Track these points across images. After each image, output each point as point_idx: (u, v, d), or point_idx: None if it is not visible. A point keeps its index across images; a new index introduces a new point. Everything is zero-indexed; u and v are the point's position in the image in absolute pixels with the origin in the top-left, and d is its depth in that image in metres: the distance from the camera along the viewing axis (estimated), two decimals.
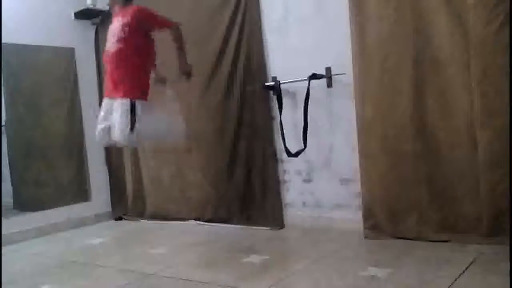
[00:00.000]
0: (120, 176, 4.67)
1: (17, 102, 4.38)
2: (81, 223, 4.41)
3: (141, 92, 3.12)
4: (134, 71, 3.12)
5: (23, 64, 4.30)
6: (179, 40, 3.31)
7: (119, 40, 3.09)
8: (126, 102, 3.02)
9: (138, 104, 3.04)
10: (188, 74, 3.42)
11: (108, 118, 3.13)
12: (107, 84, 3.20)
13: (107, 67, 3.21)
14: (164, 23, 3.25)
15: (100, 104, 4.45)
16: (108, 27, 4.50)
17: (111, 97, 3.14)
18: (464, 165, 2.85)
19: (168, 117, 3.28)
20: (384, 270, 2.52)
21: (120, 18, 3.15)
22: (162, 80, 3.47)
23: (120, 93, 3.06)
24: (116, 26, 3.15)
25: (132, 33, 3.09)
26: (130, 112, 3.00)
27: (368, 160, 3.17)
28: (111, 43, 3.14)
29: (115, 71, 3.13)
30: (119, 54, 3.10)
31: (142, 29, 3.15)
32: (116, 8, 3.26)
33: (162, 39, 3.33)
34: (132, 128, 3.00)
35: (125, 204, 4.66)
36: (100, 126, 3.17)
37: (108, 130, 3.12)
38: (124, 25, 3.10)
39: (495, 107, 2.68)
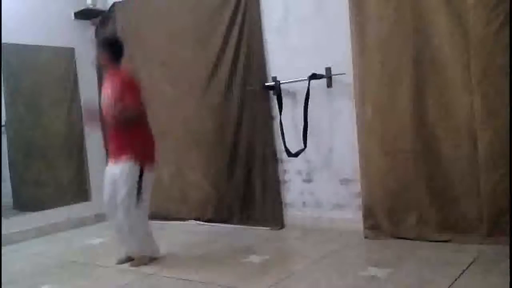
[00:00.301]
0: None
1: (17, 102, 4.38)
2: (81, 223, 4.41)
3: (143, 156, 3.01)
4: (134, 136, 3.01)
5: (23, 64, 4.30)
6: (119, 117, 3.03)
7: (111, 106, 2.97)
8: (131, 167, 2.93)
9: (146, 170, 2.99)
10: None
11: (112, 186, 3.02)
12: (110, 148, 3.13)
13: (108, 131, 3.14)
14: (123, 106, 2.96)
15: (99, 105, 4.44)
16: (107, 27, 4.54)
17: (114, 160, 3.04)
18: (464, 165, 2.85)
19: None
20: (384, 270, 2.51)
21: (111, 80, 3.05)
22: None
23: (121, 158, 2.96)
24: (107, 90, 3.04)
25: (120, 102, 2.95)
26: (137, 177, 2.95)
27: (368, 160, 3.17)
28: (106, 108, 3.02)
29: (114, 136, 3.06)
30: (115, 121, 3.00)
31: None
32: (108, 67, 3.14)
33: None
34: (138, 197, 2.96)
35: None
36: (106, 196, 3.06)
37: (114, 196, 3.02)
38: (112, 92, 2.98)
39: (495, 107, 2.68)
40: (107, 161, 3.17)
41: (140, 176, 2.96)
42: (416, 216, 3.02)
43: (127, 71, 3.13)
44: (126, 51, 4.37)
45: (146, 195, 3.03)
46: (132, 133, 3.01)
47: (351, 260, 2.82)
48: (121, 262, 3.10)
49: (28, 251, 3.72)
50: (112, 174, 3.01)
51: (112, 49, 3.09)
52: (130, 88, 2.98)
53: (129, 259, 3.10)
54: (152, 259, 3.08)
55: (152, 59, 4.22)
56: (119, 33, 4.41)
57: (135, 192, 2.95)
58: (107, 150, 3.12)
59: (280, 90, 3.55)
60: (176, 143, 4.16)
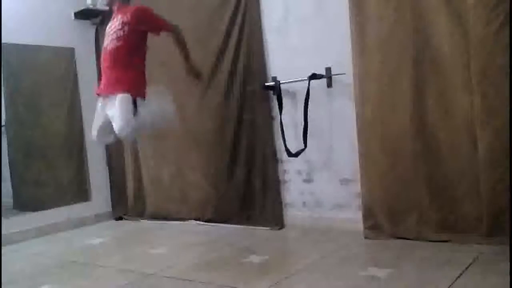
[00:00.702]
0: (120, 176, 4.67)
1: (17, 102, 4.38)
2: (81, 223, 4.41)
3: (141, 91, 3.11)
4: (134, 70, 3.12)
5: (23, 64, 4.30)
6: (181, 43, 3.28)
7: (118, 38, 3.08)
8: (128, 97, 2.99)
9: (138, 101, 3.04)
10: (196, 74, 3.40)
11: (104, 115, 3.11)
12: (105, 81, 3.17)
13: (104, 64, 3.18)
14: (164, 26, 3.23)
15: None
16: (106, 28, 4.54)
17: (108, 94, 3.11)
18: (464, 165, 2.85)
19: (162, 107, 3.22)
20: (384, 270, 2.51)
21: (119, 16, 3.14)
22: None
23: (120, 90, 3.03)
24: (115, 24, 3.14)
25: (131, 32, 3.08)
26: (133, 106, 2.99)
27: (368, 160, 3.17)
28: (110, 40, 3.12)
29: (114, 68, 3.11)
30: (118, 52, 3.09)
31: (141, 29, 3.14)
32: (115, 7, 3.24)
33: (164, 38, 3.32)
34: (134, 118, 3.00)
35: (125, 204, 4.66)
36: (97, 123, 3.17)
37: (106, 127, 3.12)
38: (123, 24, 3.08)
39: (495, 107, 2.68)
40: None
41: (134, 105, 3.03)
42: (416, 216, 3.02)
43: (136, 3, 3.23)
44: None
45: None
46: (134, 67, 3.11)
47: (351, 260, 2.82)
48: None
49: (28, 251, 3.72)
50: (104, 107, 3.10)
51: None
52: (153, 13, 3.17)
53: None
54: None
55: (152, 59, 4.21)
56: None
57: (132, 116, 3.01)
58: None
59: (280, 90, 3.55)
60: (176, 143, 4.16)
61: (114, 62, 3.11)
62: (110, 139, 3.26)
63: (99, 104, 3.20)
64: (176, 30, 3.26)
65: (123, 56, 3.09)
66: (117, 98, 3.01)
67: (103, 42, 3.26)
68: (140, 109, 3.03)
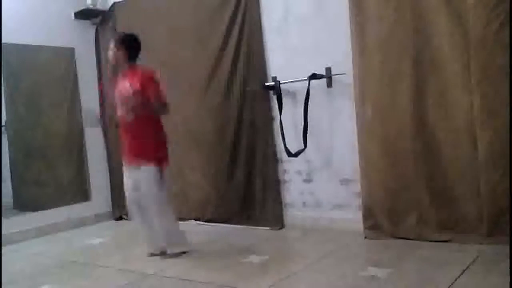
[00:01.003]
0: (120, 176, 4.65)
1: (17, 102, 4.38)
2: (81, 223, 4.41)
3: (162, 159, 3.12)
4: (152, 138, 3.10)
5: (23, 64, 4.30)
6: (159, 111, 3.11)
7: (133, 108, 3.02)
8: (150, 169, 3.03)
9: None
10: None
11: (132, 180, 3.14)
12: (126, 152, 3.17)
13: (124, 135, 3.15)
14: (155, 99, 3.03)
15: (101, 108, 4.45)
16: (107, 27, 4.54)
17: (129, 164, 3.15)
18: (464, 165, 2.85)
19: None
20: (384, 270, 2.51)
21: (127, 80, 3.06)
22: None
23: (142, 162, 3.06)
24: (125, 89, 3.06)
25: (143, 100, 3.00)
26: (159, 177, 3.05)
27: (368, 160, 3.16)
28: (125, 111, 3.06)
29: (133, 139, 3.10)
30: (136, 123, 3.04)
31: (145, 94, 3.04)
32: (124, 68, 3.14)
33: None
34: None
35: (125, 204, 4.65)
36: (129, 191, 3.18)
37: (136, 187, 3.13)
38: (135, 92, 3.00)
39: (495, 107, 2.68)
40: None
41: (161, 175, 3.08)
42: (416, 216, 3.02)
43: (146, 68, 3.15)
44: None
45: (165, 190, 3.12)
46: (150, 133, 3.08)
47: (351, 260, 2.82)
48: (153, 255, 3.20)
49: (28, 251, 3.72)
50: (134, 179, 3.12)
51: (130, 46, 3.10)
52: (153, 81, 3.04)
53: (161, 253, 3.19)
54: (182, 252, 3.18)
55: (152, 59, 4.21)
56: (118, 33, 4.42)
57: (159, 191, 3.06)
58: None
59: (280, 90, 3.55)
60: (176, 143, 4.15)
61: (133, 133, 3.08)
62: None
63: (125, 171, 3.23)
64: (166, 108, 3.10)
65: (142, 126, 3.05)
66: (142, 172, 3.06)
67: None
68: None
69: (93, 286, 2.83)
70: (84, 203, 4.54)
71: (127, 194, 3.22)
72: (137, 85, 3.00)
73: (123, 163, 3.23)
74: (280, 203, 3.72)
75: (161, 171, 3.07)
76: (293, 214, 3.68)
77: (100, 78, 4.62)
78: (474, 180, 2.80)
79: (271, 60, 3.68)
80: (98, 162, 4.64)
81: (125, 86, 3.07)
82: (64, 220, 4.32)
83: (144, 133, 3.06)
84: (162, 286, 2.69)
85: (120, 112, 3.13)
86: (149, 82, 3.02)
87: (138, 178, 3.10)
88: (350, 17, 3.14)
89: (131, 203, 3.22)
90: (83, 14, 4.51)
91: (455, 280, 2.30)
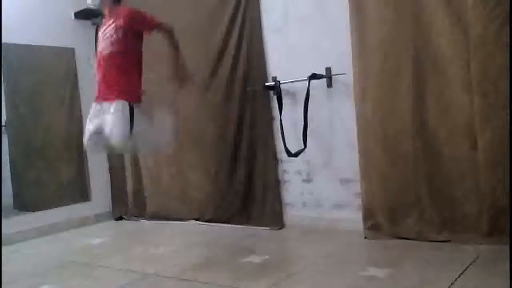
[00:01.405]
0: (120, 176, 4.67)
1: (17, 102, 4.38)
2: (81, 223, 4.41)
3: (137, 95, 3.07)
4: (130, 74, 3.07)
5: (23, 64, 4.30)
6: (173, 42, 3.23)
7: (113, 43, 3.02)
8: (124, 104, 2.93)
9: (135, 107, 2.99)
10: (185, 79, 3.34)
11: (99, 122, 3.02)
12: (100, 87, 3.10)
13: (100, 70, 3.12)
14: (159, 24, 3.18)
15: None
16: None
17: (103, 100, 3.05)
18: (464, 165, 2.85)
19: (162, 131, 3.20)
20: (384, 270, 2.51)
21: (112, 20, 3.09)
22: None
23: (115, 96, 2.98)
24: (108, 28, 3.08)
25: (125, 36, 3.03)
26: (129, 114, 2.93)
27: (368, 160, 3.17)
28: (105, 45, 3.06)
29: (109, 73, 3.05)
30: (114, 57, 3.04)
31: (134, 31, 3.09)
32: (106, 10, 3.18)
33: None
34: (131, 131, 2.92)
35: (125, 204, 4.66)
36: (89, 132, 3.06)
37: (100, 135, 3.01)
38: (117, 27, 3.03)
39: (495, 107, 2.68)
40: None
41: (131, 113, 2.97)
42: (416, 216, 3.02)
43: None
44: None
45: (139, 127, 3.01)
46: (130, 71, 3.07)
47: (351, 260, 2.82)
48: None
49: (28, 251, 3.72)
50: (99, 111, 3.02)
51: None
52: (144, 13, 3.12)
53: None
54: None
55: (151, 58, 4.22)
56: None
57: (129, 128, 2.94)
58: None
59: (280, 90, 3.55)
60: (176, 143, 4.16)
61: (110, 67, 3.05)
62: (102, 150, 3.20)
63: (93, 110, 3.11)
64: (168, 29, 3.21)
65: (119, 60, 3.04)
66: (113, 104, 2.95)
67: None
68: (139, 121, 2.99)
69: (93, 286, 2.83)
70: (84, 203, 4.54)
71: (86, 133, 3.07)
72: (121, 22, 3.03)
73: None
74: (280, 203, 3.72)
75: (132, 109, 2.99)
76: (293, 214, 3.68)
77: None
78: (474, 180, 2.80)
79: (271, 60, 3.68)
80: (98, 162, 4.64)
81: (109, 24, 3.08)
82: (64, 220, 4.32)
83: (127, 67, 3.07)
84: (162, 286, 2.69)
85: (100, 47, 3.10)
86: (138, 15, 3.10)
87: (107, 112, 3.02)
88: (350, 17, 3.14)
89: (90, 136, 3.06)
90: (83, 14, 4.51)
91: (455, 280, 2.30)
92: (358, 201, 3.26)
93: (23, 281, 2.95)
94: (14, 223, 4.01)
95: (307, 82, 3.36)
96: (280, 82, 3.56)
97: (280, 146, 3.59)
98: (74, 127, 4.53)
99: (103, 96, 3.06)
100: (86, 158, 4.57)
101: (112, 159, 4.71)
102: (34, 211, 4.24)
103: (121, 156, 4.64)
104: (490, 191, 2.73)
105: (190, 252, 3.28)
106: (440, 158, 2.93)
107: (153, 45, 3.35)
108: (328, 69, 3.38)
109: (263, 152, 3.75)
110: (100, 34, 3.17)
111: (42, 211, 4.24)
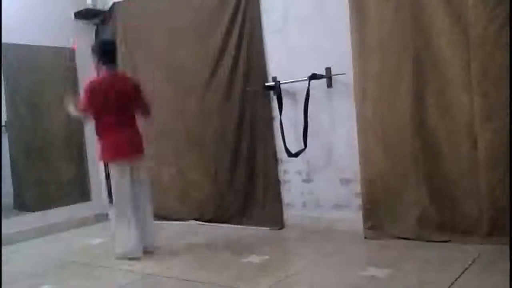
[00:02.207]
0: None
1: (17, 102, 4.37)
2: (81, 223, 4.41)
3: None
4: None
5: (23, 64, 4.30)
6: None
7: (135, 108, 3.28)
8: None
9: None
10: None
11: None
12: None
13: (123, 132, 3.22)
14: (147, 107, 3.35)
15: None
16: (107, 27, 4.54)
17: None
18: (464, 165, 2.85)
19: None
20: (384, 270, 2.51)
21: (115, 82, 3.21)
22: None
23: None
24: (120, 88, 3.19)
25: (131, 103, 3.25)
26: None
27: (368, 160, 3.17)
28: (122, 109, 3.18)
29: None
30: (133, 121, 3.29)
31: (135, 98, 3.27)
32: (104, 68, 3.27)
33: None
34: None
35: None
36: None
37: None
38: (125, 92, 3.20)
39: (495, 107, 2.68)
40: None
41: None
42: (416, 216, 3.02)
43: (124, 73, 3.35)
44: (127, 51, 4.36)
45: None
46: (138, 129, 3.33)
47: (351, 260, 2.82)
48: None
49: (28, 251, 3.72)
50: (131, 177, 3.18)
51: (98, 54, 3.27)
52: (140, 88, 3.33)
53: (147, 252, 3.23)
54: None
55: (152, 59, 4.23)
56: (119, 33, 4.42)
57: None
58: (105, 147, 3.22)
59: (280, 90, 3.55)
60: (176, 143, 4.16)
61: (132, 125, 3.27)
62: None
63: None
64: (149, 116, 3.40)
65: (135, 124, 3.30)
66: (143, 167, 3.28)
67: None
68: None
69: (93, 286, 2.83)
70: (84, 203, 4.54)
71: (122, 195, 3.15)
72: (128, 88, 3.23)
73: (116, 162, 3.17)
74: (280, 203, 3.72)
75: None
76: (293, 214, 3.68)
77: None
78: (474, 180, 2.81)
79: (271, 60, 3.68)
80: (98, 162, 4.63)
81: (122, 89, 3.21)
82: (64, 220, 4.31)
83: (138, 130, 3.30)
84: (162, 286, 2.69)
85: (119, 108, 3.18)
86: (138, 88, 3.30)
87: (137, 176, 3.21)
88: (350, 17, 3.14)
89: (128, 203, 3.15)
90: (83, 14, 4.51)
91: (455, 280, 2.30)
92: (358, 201, 3.26)
93: (23, 281, 2.95)
94: (14, 223, 4.01)
95: (307, 82, 3.36)
96: (280, 82, 3.56)
97: (280, 146, 3.59)
98: (74, 127, 4.52)
99: (132, 157, 3.27)
100: (86, 158, 4.57)
101: None
102: (34, 211, 4.24)
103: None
104: (490, 191, 2.74)
105: (190, 252, 3.28)
106: (440, 158, 2.93)
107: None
108: (328, 69, 3.38)
109: (263, 152, 3.75)
110: (108, 93, 3.20)
111: (42, 211, 4.23)
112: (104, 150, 3.19)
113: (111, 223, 3.38)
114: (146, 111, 3.35)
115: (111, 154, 3.17)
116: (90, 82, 3.22)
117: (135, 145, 3.25)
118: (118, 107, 3.15)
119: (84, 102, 3.20)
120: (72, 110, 3.26)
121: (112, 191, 3.14)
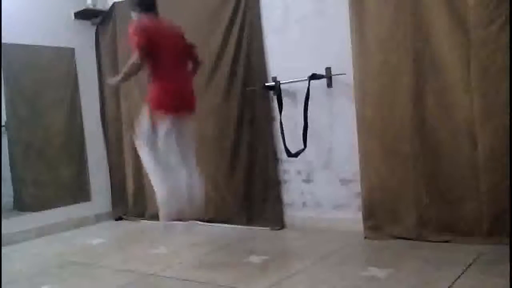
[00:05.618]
0: (120, 176, 4.67)
1: (17, 102, 4.37)
2: (81, 223, 4.41)
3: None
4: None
5: (23, 64, 4.30)
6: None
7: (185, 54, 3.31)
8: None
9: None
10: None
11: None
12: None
13: (178, 80, 3.12)
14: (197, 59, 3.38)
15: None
16: (107, 27, 4.53)
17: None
18: (464, 165, 2.85)
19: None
20: (384, 270, 2.51)
21: (165, 26, 3.20)
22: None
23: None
24: (172, 37, 3.15)
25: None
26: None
27: (368, 160, 3.16)
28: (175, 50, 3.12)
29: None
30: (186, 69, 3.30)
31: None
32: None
33: None
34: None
35: (126, 204, 4.66)
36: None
37: None
38: (179, 36, 3.27)
39: (495, 107, 2.68)
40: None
41: None
42: (416, 216, 3.02)
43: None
44: (125, 52, 4.35)
45: None
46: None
47: (351, 260, 2.82)
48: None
49: (28, 251, 3.72)
50: (179, 129, 3.02)
51: (136, 3, 3.12)
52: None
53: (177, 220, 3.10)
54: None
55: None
56: (118, 33, 4.42)
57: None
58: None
59: (280, 90, 3.55)
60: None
61: (187, 77, 3.25)
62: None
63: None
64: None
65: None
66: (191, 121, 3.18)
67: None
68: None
69: (93, 286, 2.83)
70: (84, 203, 4.54)
71: (164, 146, 2.96)
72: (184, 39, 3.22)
73: (165, 111, 2.96)
74: (280, 203, 3.72)
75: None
76: (293, 214, 3.68)
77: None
78: (474, 180, 2.80)
79: (271, 60, 3.68)
80: (98, 162, 4.64)
81: (174, 39, 3.14)
82: (64, 220, 4.32)
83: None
84: (162, 286, 2.70)
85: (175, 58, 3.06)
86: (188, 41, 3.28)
87: (185, 127, 3.09)
88: (350, 17, 3.14)
89: (170, 155, 2.97)
90: (83, 14, 4.51)
91: (455, 280, 2.30)
92: (358, 201, 3.26)
93: (23, 281, 2.96)
94: (14, 223, 4.01)
95: (307, 82, 3.36)
96: (280, 82, 3.56)
97: (280, 146, 3.59)
98: (74, 127, 4.53)
99: (188, 107, 3.21)
100: (86, 158, 4.57)
101: (112, 159, 4.71)
102: (34, 211, 4.24)
103: (121, 156, 4.64)
104: (490, 191, 2.73)
105: (190, 252, 3.28)
106: (440, 158, 2.93)
107: None
108: (328, 69, 3.38)
109: (263, 152, 3.75)
110: (161, 38, 3.05)
111: (42, 211, 4.23)
112: (155, 98, 2.97)
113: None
114: (195, 67, 3.31)
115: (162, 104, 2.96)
116: (138, 21, 2.95)
117: (187, 98, 3.10)
118: (174, 52, 3.01)
119: (138, 40, 2.83)
120: (114, 79, 3.12)
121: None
